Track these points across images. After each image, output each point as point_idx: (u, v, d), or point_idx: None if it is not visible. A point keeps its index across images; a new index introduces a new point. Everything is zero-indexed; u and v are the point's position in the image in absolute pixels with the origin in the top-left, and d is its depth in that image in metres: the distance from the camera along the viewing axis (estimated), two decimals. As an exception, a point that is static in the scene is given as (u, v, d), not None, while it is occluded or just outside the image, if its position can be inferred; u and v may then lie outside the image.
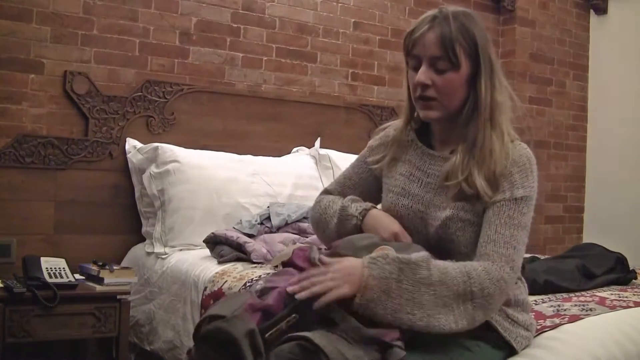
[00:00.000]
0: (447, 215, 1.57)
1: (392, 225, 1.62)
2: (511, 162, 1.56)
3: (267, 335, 1.34)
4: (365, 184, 1.78)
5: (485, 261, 1.48)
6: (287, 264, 1.54)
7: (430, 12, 1.59)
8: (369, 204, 1.69)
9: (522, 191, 1.54)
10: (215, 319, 1.35)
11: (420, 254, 1.47)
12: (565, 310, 1.92)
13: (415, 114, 1.67)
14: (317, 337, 1.26)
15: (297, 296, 1.36)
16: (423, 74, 1.56)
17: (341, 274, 1.39)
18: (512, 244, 1.50)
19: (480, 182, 1.53)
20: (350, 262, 1.42)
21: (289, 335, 1.29)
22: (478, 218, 1.56)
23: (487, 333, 1.52)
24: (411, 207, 1.63)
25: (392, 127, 1.76)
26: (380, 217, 1.64)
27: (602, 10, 4.84)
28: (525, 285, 1.68)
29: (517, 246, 1.51)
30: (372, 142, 1.80)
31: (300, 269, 1.47)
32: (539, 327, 1.71)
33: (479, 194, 1.53)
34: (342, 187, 1.80)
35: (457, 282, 1.42)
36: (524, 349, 1.60)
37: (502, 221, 1.51)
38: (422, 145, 1.68)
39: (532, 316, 1.71)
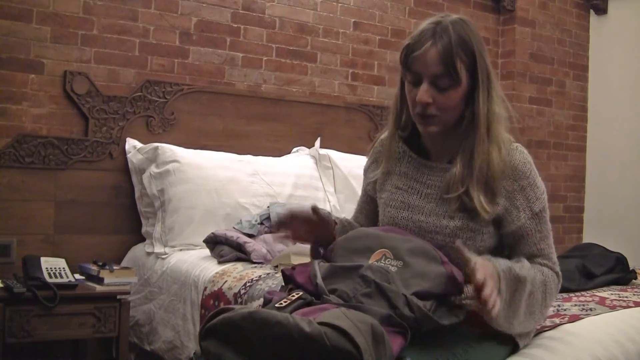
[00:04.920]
0: (456, 225, 1.57)
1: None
2: (516, 173, 1.57)
3: (276, 305, 1.35)
4: (370, 209, 1.81)
5: (548, 270, 1.60)
6: (288, 278, 1.54)
7: (429, 25, 1.55)
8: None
9: (538, 204, 1.59)
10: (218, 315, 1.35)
11: (525, 265, 1.55)
12: (565, 310, 1.93)
13: (402, 121, 1.67)
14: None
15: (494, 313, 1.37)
16: (425, 93, 1.53)
17: (493, 281, 1.42)
18: (551, 251, 1.63)
19: (478, 196, 1.54)
20: (491, 269, 1.44)
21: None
22: (486, 226, 1.58)
23: (490, 329, 1.52)
24: (411, 218, 1.63)
25: (379, 142, 1.76)
26: None
27: (602, 10, 4.84)
28: None
29: (553, 252, 1.64)
30: (366, 165, 1.82)
31: (300, 286, 1.48)
32: (538, 326, 1.71)
33: (477, 208, 1.54)
34: (356, 213, 1.87)
35: (538, 296, 1.56)
36: (526, 345, 1.60)
37: (537, 238, 1.60)
38: (417, 157, 1.67)
39: None
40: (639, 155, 4.60)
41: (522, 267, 1.53)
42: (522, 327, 1.54)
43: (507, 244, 1.63)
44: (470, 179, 1.55)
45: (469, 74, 1.54)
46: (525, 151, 1.62)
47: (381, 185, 1.72)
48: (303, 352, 1.22)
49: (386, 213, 1.68)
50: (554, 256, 1.63)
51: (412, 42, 1.55)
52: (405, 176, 1.67)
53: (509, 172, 1.57)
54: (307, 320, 1.24)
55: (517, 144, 1.62)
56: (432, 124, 1.57)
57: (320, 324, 1.24)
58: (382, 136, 1.75)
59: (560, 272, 1.63)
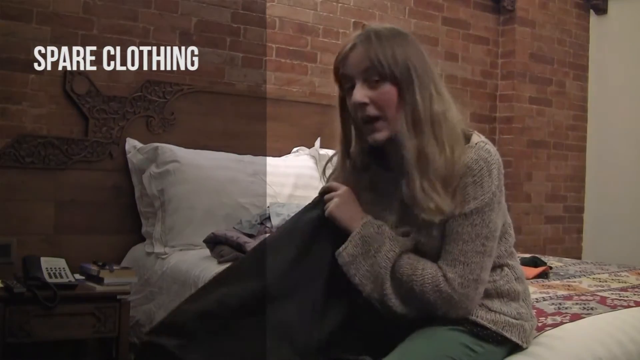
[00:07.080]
0: (416, 240, 1.53)
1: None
2: (466, 170, 1.48)
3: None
4: None
5: (441, 272, 1.48)
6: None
7: (354, 33, 1.57)
8: None
9: (473, 204, 1.47)
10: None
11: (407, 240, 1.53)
12: (566, 309, 1.93)
13: (352, 148, 1.67)
14: None
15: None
16: (358, 92, 1.53)
17: (345, 206, 1.56)
18: (460, 259, 1.47)
19: (416, 194, 1.46)
20: (357, 209, 1.57)
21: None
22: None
23: (484, 331, 1.51)
24: None
25: (332, 168, 1.75)
26: None
27: (602, 10, 4.85)
28: (517, 272, 1.61)
29: (465, 261, 1.47)
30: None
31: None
32: (540, 324, 1.71)
33: (415, 207, 1.47)
34: None
35: (402, 272, 1.49)
36: (524, 340, 1.55)
37: (450, 239, 1.49)
38: (376, 168, 1.63)
39: (528, 304, 1.63)
40: (639, 155, 4.60)
41: (405, 241, 1.52)
42: (389, 300, 1.49)
43: None
44: (414, 184, 1.47)
45: (401, 75, 1.50)
46: (486, 149, 1.50)
47: None
48: None
49: None
50: (462, 268, 1.47)
51: (339, 51, 1.57)
52: (372, 190, 1.62)
53: (462, 170, 1.48)
54: None
55: (480, 142, 1.52)
56: (378, 129, 1.53)
57: None
58: (335, 164, 1.75)
59: (457, 283, 1.46)
